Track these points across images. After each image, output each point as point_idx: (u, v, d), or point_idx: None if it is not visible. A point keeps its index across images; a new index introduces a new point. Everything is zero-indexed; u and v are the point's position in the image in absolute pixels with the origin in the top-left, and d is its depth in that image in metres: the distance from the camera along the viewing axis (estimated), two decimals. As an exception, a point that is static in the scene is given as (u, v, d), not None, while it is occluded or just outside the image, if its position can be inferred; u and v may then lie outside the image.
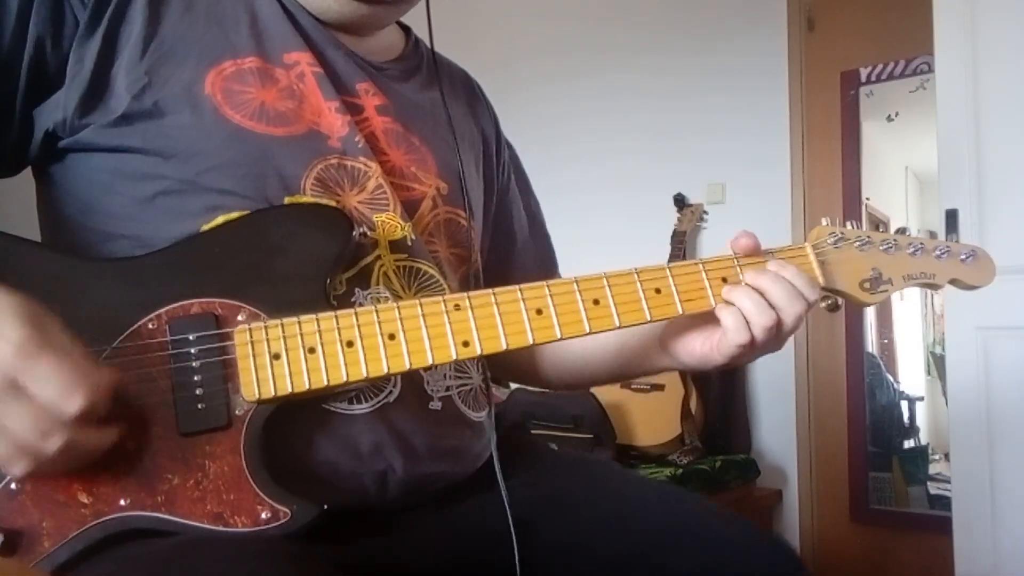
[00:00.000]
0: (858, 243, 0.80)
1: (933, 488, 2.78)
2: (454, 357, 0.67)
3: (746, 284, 0.74)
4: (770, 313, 0.72)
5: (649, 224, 2.94)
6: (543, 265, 1.03)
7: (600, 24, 3.22)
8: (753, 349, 0.74)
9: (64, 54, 0.69)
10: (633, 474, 0.99)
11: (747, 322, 0.72)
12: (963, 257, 0.83)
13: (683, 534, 0.77)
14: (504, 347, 0.68)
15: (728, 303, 0.74)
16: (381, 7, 0.83)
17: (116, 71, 0.70)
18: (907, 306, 2.99)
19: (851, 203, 2.81)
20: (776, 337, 0.73)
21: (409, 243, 0.78)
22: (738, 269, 0.76)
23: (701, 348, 0.77)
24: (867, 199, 2.83)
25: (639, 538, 0.77)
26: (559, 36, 3.31)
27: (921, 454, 2.88)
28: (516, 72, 3.18)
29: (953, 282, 0.84)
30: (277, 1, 0.79)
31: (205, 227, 0.69)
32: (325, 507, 0.63)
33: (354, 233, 0.70)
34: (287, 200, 0.72)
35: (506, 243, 1.00)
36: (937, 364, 2.97)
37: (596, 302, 0.71)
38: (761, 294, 0.73)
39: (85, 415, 0.55)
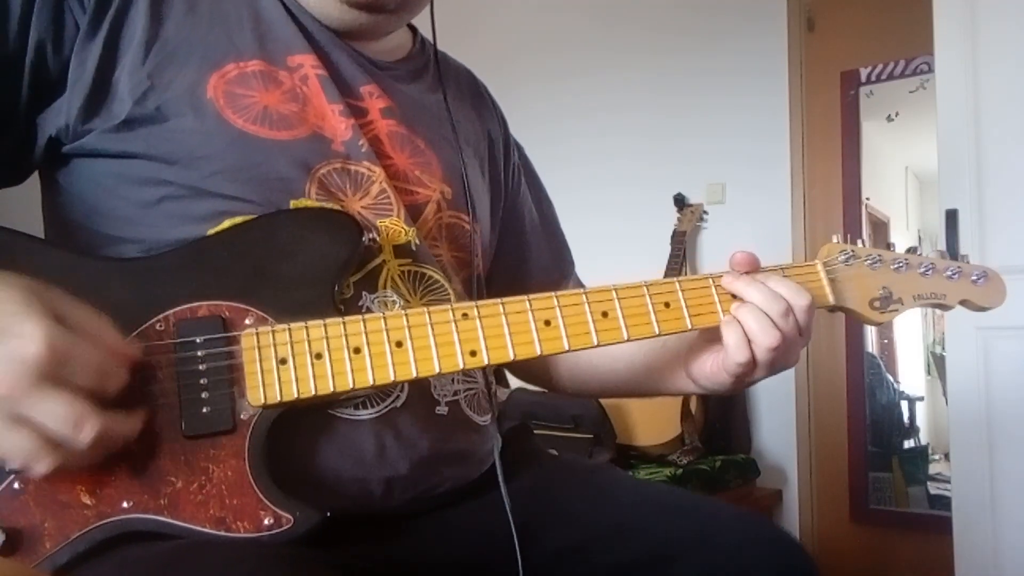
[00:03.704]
0: (869, 261, 0.79)
1: (933, 488, 2.78)
2: (461, 366, 0.66)
3: (754, 304, 0.73)
4: (774, 333, 0.71)
5: (649, 224, 2.94)
6: (560, 267, 1.02)
7: (599, 23, 3.21)
8: (756, 369, 0.73)
9: (65, 59, 0.69)
10: (636, 480, 0.98)
11: (749, 340, 0.72)
12: (974, 278, 0.81)
13: (689, 540, 0.76)
14: (511, 358, 0.68)
15: (734, 319, 0.73)
16: (381, 16, 0.82)
17: (119, 75, 0.70)
18: (907, 306, 2.99)
19: (851, 203, 2.81)
20: (785, 355, 0.73)
21: (413, 248, 0.77)
22: None
23: (711, 367, 0.77)
24: (867, 199, 2.83)
25: (643, 546, 0.76)
26: (558, 35, 3.31)
27: (921, 454, 2.89)
28: (515, 70, 3.18)
29: (964, 303, 0.82)
30: (280, 3, 0.79)
31: (211, 231, 0.68)
32: (328, 514, 0.62)
33: (364, 239, 0.69)
34: (292, 204, 0.72)
35: (519, 246, 0.99)
36: (937, 364, 2.97)
37: (605, 314, 0.71)
38: (767, 315, 0.72)
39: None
